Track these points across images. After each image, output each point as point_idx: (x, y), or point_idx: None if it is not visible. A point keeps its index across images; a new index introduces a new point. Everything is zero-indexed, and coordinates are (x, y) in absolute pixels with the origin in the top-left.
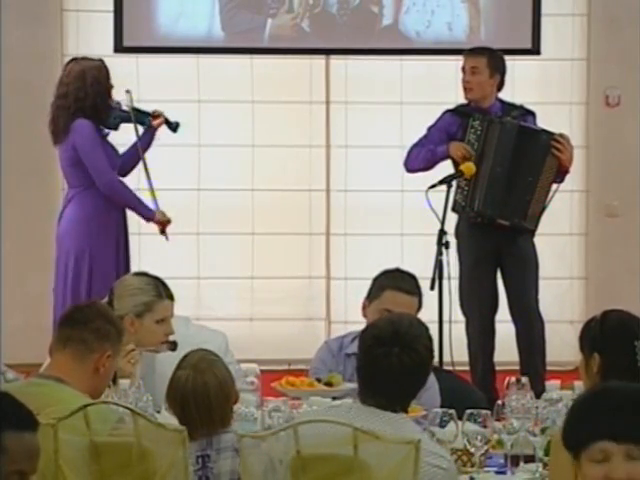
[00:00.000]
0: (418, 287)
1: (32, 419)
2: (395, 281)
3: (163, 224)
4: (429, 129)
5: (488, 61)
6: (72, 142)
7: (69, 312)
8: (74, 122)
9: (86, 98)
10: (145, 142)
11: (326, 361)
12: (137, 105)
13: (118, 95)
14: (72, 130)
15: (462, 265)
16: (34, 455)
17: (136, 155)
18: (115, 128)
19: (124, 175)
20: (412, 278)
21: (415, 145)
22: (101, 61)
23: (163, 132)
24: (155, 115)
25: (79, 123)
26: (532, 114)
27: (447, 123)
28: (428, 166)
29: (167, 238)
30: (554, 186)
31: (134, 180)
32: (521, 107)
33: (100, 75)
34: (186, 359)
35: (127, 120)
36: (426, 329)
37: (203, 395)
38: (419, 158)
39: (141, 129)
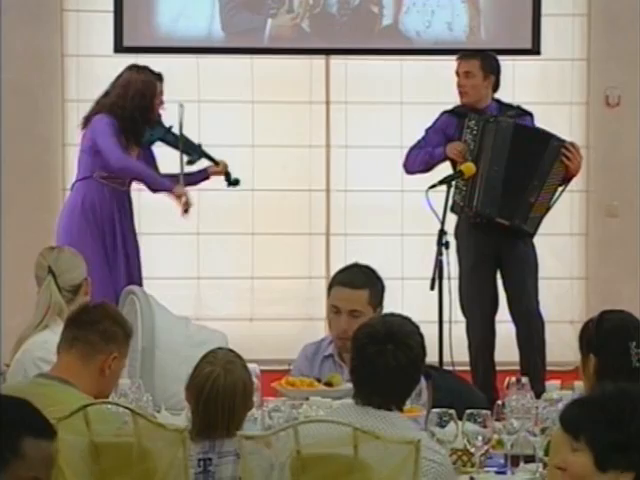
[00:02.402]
0: (368, 280)
1: (50, 428)
2: (340, 276)
3: (181, 196)
4: (427, 131)
5: (481, 63)
6: (89, 133)
7: (77, 313)
8: (95, 116)
9: (124, 108)
10: (190, 180)
11: (301, 368)
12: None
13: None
14: (91, 123)
15: (462, 266)
16: (50, 463)
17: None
18: (150, 143)
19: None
20: (362, 272)
21: (413, 147)
22: (156, 76)
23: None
24: (216, 162)
25: (98, 117)
26: (529, 115)
27: (445, 124)
28: (427, 168)
29: (187, 213)
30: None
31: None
32: (518, 108)
33: (146, 89)
34: (214, 355)
35: (169, 143)
36: (417, 327)
37: (231, 396)
38: (417, 160)
39: (191, 165)
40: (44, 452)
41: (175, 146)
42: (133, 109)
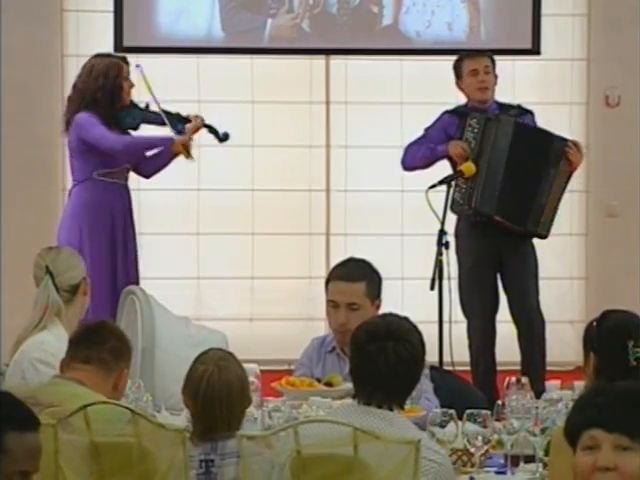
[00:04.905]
0: (365, 273)
1: (33, 418)
2: (337, 271)
3: (186, 144)
4: (427, 130)
5: (492, 61)
6: (74, 134)
7: (83, 332)
8: (75, 116)
9: (87, 90)
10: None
11: (312, 357)
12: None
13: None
14: (73, 123)
15: (461, 266)
16: (36, 454)
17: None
18: (134, 128)
19: (149, 175)
20: (358, 266)
21: (413, 143)
22: (121, 58)
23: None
24: (190, 120)
25: (78, 115)
26: (530, 113)
27: (446, 124)
28: (427, 164)
29: (193, 159)
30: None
31: (134, 182)
32: (518, 106)
33: (108, 71)
34: (206, 355)
35: (154, 122)
36: (415, 326)
37: (227, 392)
38: (418, 156)
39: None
40: (29, 445)
41: (159, 123)
42: (95, 90)
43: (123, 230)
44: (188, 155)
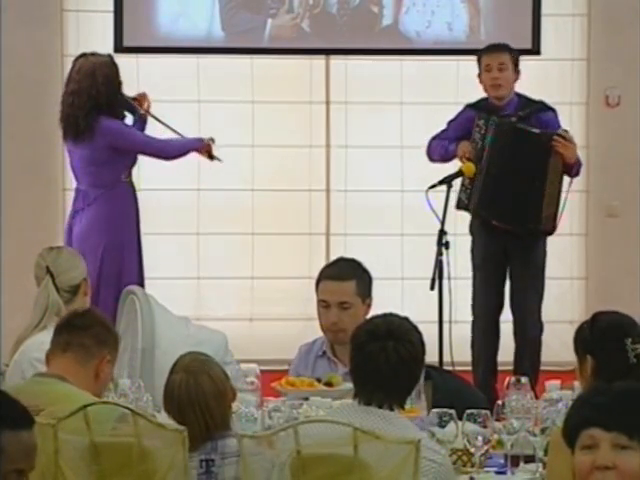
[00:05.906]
0: (354, 272)
1: (27, 416)
2: (327, 271)
3: (210, 147)
4: (449, 123)
5: (511, 57)
6: (102, 142)
7: (67, 319)
8: (99, 122)
9: (99, 95)
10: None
11: (298, 368)
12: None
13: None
14: (100, 131)
15: (474, 264)
16: (31, 453)
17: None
18: (122, 118)
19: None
20: (348, 265)
21: (435, 137)
22: (110, 57)
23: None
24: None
25: (105, 124)
26: (552, 110)
27: (466, 118)
28: (444, 160)
29: (220, 159)
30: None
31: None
32: (540, 102)
33: (110, 72)
34: (178, 363)
35: (130, 111)
36: (415, 326)
37: (199, 397)
38: (436, 151)
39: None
40: (24, 443)
41: (132, 112)
42: (107, 93)
43: (138, 222)
44: (212, 157)
